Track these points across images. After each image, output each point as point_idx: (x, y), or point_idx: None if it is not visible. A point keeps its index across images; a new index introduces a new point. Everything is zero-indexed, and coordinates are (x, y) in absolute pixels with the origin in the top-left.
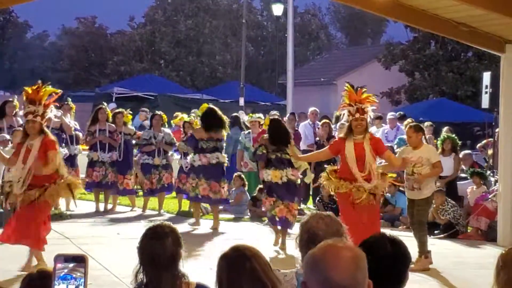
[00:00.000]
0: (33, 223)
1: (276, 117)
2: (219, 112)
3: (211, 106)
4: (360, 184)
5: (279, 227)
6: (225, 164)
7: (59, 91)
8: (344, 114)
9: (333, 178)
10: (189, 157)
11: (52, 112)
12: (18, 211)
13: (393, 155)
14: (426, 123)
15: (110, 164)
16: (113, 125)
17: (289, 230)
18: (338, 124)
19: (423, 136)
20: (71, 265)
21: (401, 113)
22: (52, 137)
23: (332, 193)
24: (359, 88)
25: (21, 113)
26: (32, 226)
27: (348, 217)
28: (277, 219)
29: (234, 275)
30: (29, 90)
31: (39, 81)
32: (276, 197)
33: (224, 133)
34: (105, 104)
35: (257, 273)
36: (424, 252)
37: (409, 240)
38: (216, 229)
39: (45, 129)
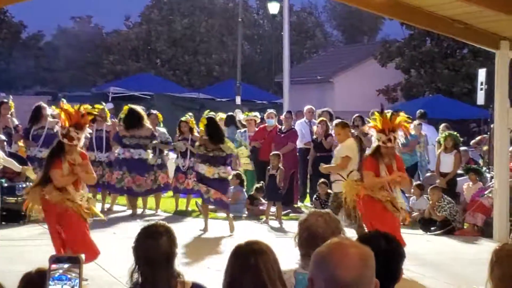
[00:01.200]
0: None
1: (212, 115)
2: (139, 111)
3: (131, 106)
4: (393, 195)
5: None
6: (152, 162)
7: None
8: (372, 136)
9: (359, 186)
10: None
11: (48, 111)
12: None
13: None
14: (415, 122)
15: (107, 164)
16: (109, 124)
17: (286, 229)
18: (334, 121)
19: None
20: (66, 265)
21: (422, 111)
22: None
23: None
24: (393, 114)
25: (57, 128)
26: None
27: (386, 222)
28: (212, 200)
29: (237, 267)
30: (71, 110)
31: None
32: (207, 187)
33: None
34: (104, 103)
35: (259, 270)
36: None
37: (405, 237)
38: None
39: None
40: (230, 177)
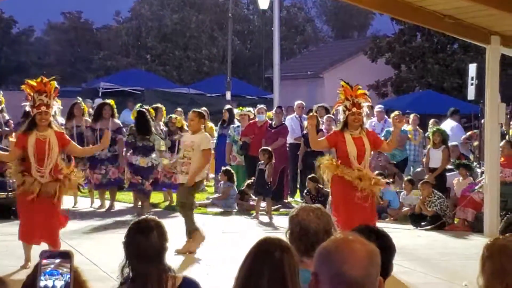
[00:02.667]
0: (54, 219)
1: (144, 109)
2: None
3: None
4: (365, 173)
5: None
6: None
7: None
8: (339, 110)
9: (334, 165)
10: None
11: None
12: (36, 205)
13: (386, 142)
14: (412, 115)
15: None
16: (89, 119)
17: (276, 224)
18: (325, 116)
19: (204, 124)
20: (57, 260)
21: (453, 108)
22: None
23: (326, 178)
24: (354, 85)
25: (27, 106)
26: (54, 222)
27: (348, 203)
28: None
29: (260, 260)
30: (33, 82)
31: (42, 76)
32: (141, 177)
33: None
34: (89, 100)
35: (282, 265)
36: (192, 231)
37: (395, 232)
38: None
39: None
40: (164, 162)
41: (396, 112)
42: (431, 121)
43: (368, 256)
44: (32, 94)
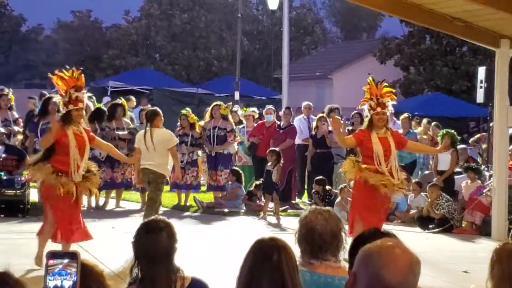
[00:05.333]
0: (80, 216)
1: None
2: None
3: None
4: (388, 178)
5: None
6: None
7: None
8: (364, 108)
9: (358, 167)
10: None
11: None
12: (72, 203)
13: (412, 141)
14: (424, 120)
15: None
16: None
17: (283, 225)
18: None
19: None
20: (65, 261)
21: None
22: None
23: (351, 180)
24: (380, 83)
25: (56, 98)
26: (81, 219)
27: (368, 205)
28: None
29: (259, 262)
30: (65, 75)
31: (72, 68)
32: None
33: None
34: (116, 100)
35: (281, 266)
36: None
37: (403, 235)
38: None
39: None
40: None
41: (406, 115)
42: (432, 124)
43: (409, 265)
44: (66, 89)
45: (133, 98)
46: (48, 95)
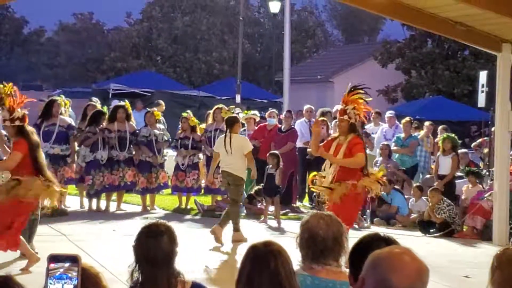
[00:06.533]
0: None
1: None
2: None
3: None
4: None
5: None
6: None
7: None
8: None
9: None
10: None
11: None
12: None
13: (354, 158)
14: (426, 122)
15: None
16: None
17: (284, 228)
18: (333, 122)
19: None
20: (66, 264)
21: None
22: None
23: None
24: (353, 89)
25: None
26: (15, 225)
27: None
28: None
29: (255, 269)
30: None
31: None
32: None
33: None
34: (120, 101)
35: (278, 272)
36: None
37: (404, 239)
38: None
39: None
40: None
41: (407, 118)
42: (440, 127)
43: (417, 272)
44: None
45: (162, 103)
46: (52, 98)
